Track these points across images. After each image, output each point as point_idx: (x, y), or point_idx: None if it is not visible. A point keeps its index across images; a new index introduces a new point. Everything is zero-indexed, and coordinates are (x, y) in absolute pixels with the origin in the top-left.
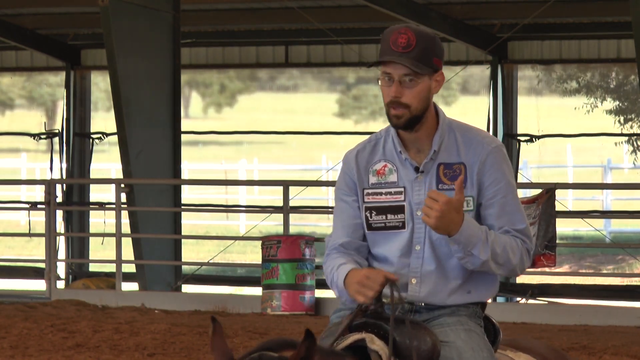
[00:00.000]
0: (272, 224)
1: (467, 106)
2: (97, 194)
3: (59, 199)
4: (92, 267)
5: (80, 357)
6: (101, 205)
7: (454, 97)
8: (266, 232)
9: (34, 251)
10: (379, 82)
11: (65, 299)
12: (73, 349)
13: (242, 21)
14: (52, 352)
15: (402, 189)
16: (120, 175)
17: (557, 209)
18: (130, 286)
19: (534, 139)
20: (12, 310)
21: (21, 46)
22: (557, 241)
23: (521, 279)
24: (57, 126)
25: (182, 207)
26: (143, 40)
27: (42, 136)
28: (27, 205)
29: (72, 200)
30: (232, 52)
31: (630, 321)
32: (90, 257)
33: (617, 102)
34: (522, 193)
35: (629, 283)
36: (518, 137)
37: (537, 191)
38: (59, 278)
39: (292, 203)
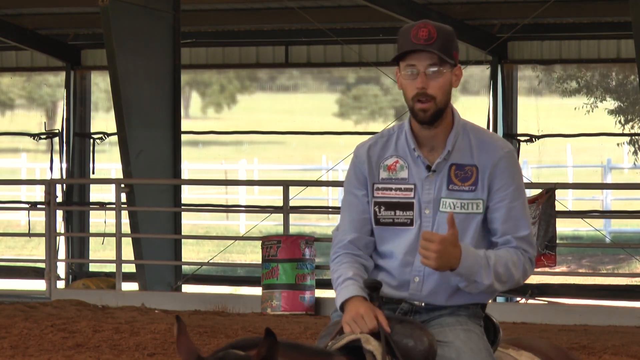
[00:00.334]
0: (272, 224)
1: (467, 106)
2: (97, 194)
3: (59, 199)
4: (92, 267)
5: (81, 357)
6: (101, 205)
7: (454, 97)
8: (266, 232)
9: (34, 251)
10: (400, 78)
11: (65, 299)
12: (73, 349)
13: (242, 21)
14: (52, 352)
15: (412, 186)
16: (120, 175)
17: (557, 209)
18: (130, 286)
19: (533, 139)
20: (12, 310)
21: (21, 46)
22: (557, 241)
23: None
24: (57, 126)
25: (182, 207)
26: (143, 40)
27: (42, 136)
28: (27, 205)
29: (72, 200)
30: (232, 52)
31: (630, 321)
32: (90, 257)
33: (617, 102)
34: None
35: (628, 283)
36: (518, 137)
37: (537, 191)
38: (59, 278)
39: (292, 203)
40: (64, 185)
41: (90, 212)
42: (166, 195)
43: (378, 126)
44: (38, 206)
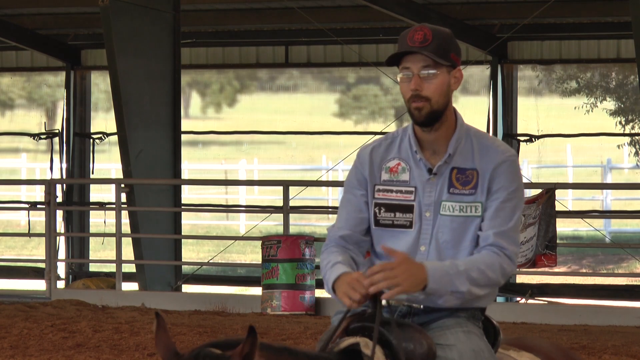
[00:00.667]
0: (272, 224)
1: (467, 106)
2: (97, 194)
3: (59, 199)
4: (92, 267)
5: (81, 357)
6: (101, 205)
7: (454, 97)
8: (266, 232)
9: (34, 251)
10: (399, 81)
11: (65, 299)
12: (73, 348)
13: (242, 21)
14: (52, 352)
15: (413, 189)
16: (120, 175)
17: (557, 209)
18: (130, 286)
19: (533, 139)
20: (13, 310)
21: (21, 46)
22: (557, 241)
23: (521, 279)
24: (57, 126)
25: (182, 207)
26: (143, 40)
27: (42, 136)
28: (27, 205)
29: (72, 200)
30: (232, 52)
31: (630, 321)
32: (90, 257)
33: (617, 102)
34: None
35: (628, 283)
36: (518, 137)
37: (537, 191)
38: (59, 278)
39: (292, 203)
40: (64, 185)
41: (90, 212)
42: (166, 195)
43: (378, 126)
44: (38, 206)
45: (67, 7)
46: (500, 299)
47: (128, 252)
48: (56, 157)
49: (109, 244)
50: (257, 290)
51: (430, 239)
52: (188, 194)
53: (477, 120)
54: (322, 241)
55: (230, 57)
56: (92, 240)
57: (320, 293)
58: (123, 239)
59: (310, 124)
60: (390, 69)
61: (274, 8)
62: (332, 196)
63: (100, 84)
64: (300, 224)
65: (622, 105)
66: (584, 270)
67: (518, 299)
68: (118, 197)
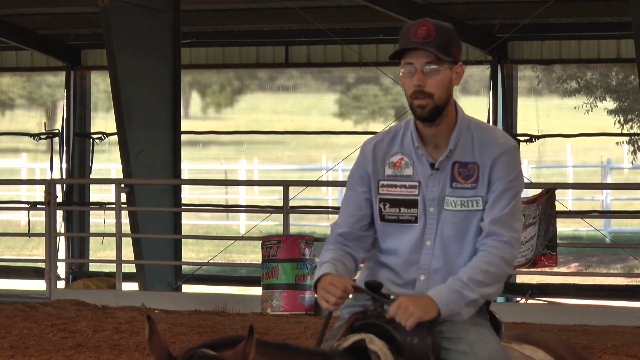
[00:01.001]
0: (272, 224)
1: (467, 106)
2: (97, 194)
3: (59, 199)
4: (92, 267)
5: (81, 357)
6: (101, 205)
7: (454, 97)
8: (266, 232)
9: (34, 251)
10: (400, 75)
11: (65, 299)
12: (73, 348)
13: (242, 21)
14: (52, 352)
15: (416, 184)
16: (120, 175)
17: (557, 209)
18: (130, 286)
19: (533, 139)
20: (12, 310)
21: (21, 46)
22: (557, 241)
23: (521, 279)
24: (57, 126)
25: (182, 207)
26: (143, 40)
27: (42, 136)
28: (27, 205)
29: (72, 200)
30: (232, 52)
31: (630, 321)
32: (90, 257)
33: (617, 102)
34: (522, 193)
35: (628, 283)
36: (518, 137)
37: (537, 191)
38: (59, 278)
39: (292, 203)
40: (64, 185)
41: (90, 212)
42: (166, 195)
43: (378, 126)
44: (38, 206)
45: (67, 7)
46: (500, 299)
47: (128, 252)
48: (56, 157)
49: (109, 244)
50: (257, 290)
51: (435, 234)
52: (188, 194)
53: None
54: (322, 241)
55: (230, 57)
56: (92, 240)
57: None
58: (123, 239)
59: (310, 124)
60: (390, 69)
61: (274, 8)
62: (332, 196)
63: (100, 84)
64: (300, 224)
65: (622, 105)
66: (584, 270)
67: (518, 299)
68: (118, 197)
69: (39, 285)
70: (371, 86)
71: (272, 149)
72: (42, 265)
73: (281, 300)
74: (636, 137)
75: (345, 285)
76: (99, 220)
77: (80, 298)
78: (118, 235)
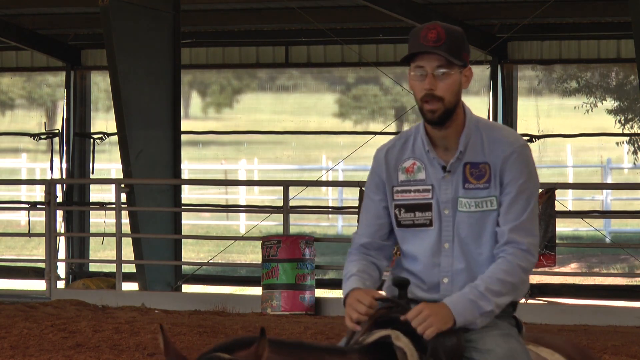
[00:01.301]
0: (272, 224)
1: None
2: (97, 194)
3: (59, 199)
4: (92, 267)
5: (81, 357)
6: (101, 205)
7: None
8: (266, 232)
9: (34, 251)
10: (410, 78)
11: (65, 299)
12: (73, 348)
13: (242, 21)
14: (52, 352)
15: (430, 187)
16: (120, 175)
17: (557, 209)
18: (130, 286)
19: (533, 139)
20: (13, 310)
21: (21, 46)
22: (557, 241)
23: None
24: (57, 126)
25: (182, 207)
26: (143, 40)
27: (42, 136)
28: (27, 205)
29: (72, 200)
30: (232, 52)
31: (630, 321)
32: (90, 257)
33: (617, 102)
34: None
35: (628, 283)
36: None
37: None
38: (59, 278)
39: (292, 203)
40: (64, 185)
41: (90, 212)
42: (166, 195)
43: (378, 126)
44: (38, 206)
45: (67, 7)
46: None
47: (128, 252)
48: (56, 157)
49: (109, 244)
50: (257, 290)
51: (453, 236)
52: (188, 194)
53: None
54: (322, 241)
55: (230, 57)
56: (92, 240)
57: (320, 293)
58: (123, 239)
59: (310, 124)
60: (390, 69)
61: (274, 8)
62: (332, 196)
63: (100, 84)
64: (300, 224)
65: (622, 105)
66: (584, 270)
67: None
68: (118, 197)
69: (39, 285)
70: (371, 86)
71: (272, 149)
72: (42, 265)
73: (281, 300)
74: (636, 137)
75: (371, 302)
76: (99, 220)
77: (80, 298)
78: (118, 235)
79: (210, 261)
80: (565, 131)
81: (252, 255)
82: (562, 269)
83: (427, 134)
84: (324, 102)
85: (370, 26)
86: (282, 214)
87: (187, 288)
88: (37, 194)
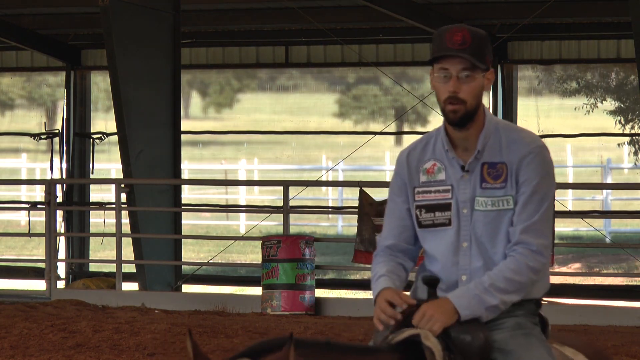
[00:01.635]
0: (272, 224)
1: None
2: (97, 194)
3: (59, 199)
4: (92, 267)
5: (81, 357)
6: (101, 205)
7: None
8: (266, 232)
9: (34, 251)
10: (433, 80)
11: (65, 299)
12: (73, 348)
13: (242, 21)
14: (52, 352)
15: (449, 187)
16: (120, 175)
17: (557, 209)
18: (130, 286)
19: None
20: (13, 310)
21: (21, 46)
22: (557, 241)
23: None
24: (57, 126)
25: (182, 207)
26: (143, 40)
27: (42, 136)
28: (27, 205)
29: (72, 200)
30: (232, 52)
31: (630, 321)
32: (90, 257)
33: (617, 102)
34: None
35: (628, 283)
36: None
37: None
38: (59, 278)
39: (292, 203)
40: (64, 185)
41: (90, 212)
42: (166, 195)
43: (378, 126)
44: (38, 206)
45: (67, 7)
46: None
47: (128, 252)
48: (56, 157)
49: (109, 244)
50: (257, 290)
51: (470, 235)
52: (188, 194)
53: None
54: (322, 241)
55: (230, 57)
56: (92, 240)
57: (320, 293)
58: (123, 239)
59: (310, 124)
60: (390, 69)
61: (274, 8)
62: (332, 196)
63: (100, 84)
64: (300, 224)
65: (622, 106)
66: (584, 270)
67: None
68: (118, 197)
69: (39, 285)
70: (371, 86)
71: (272, 149)
72: (42, 265)
73: (281, 300)
74: (637, 137)
75: (400, 304)
76: (99, 220)
77: (80, 298)
78: (118, 235)
79: (210, 261)
80: (565, 131)
81: (252, 255)
82: (562, 269)
83: (448, 134)
84: (323, 102)
85: (370, 26)
86: (282, 214)
87: (187, 288)
88: (37, 194)
